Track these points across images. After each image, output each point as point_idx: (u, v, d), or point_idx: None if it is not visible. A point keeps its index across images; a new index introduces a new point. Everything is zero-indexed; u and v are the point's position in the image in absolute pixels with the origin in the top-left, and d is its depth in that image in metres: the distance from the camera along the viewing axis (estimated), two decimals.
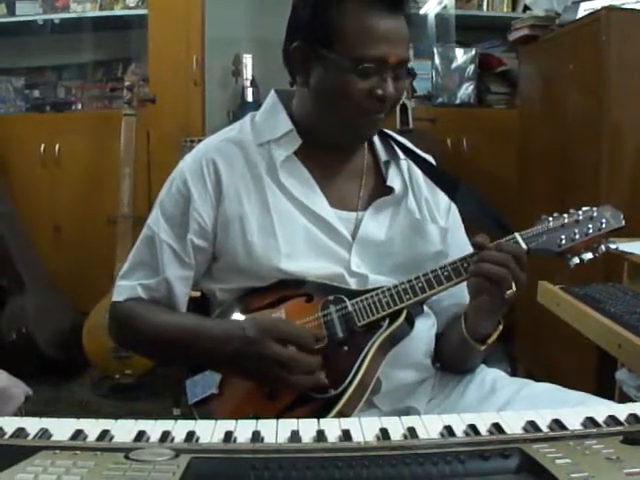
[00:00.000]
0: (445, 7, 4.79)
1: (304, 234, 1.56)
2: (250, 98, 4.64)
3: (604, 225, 1.47)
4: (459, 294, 1.56)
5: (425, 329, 1.60)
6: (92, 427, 1.01)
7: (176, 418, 1.05)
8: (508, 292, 1.41)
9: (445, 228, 1.68)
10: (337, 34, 1.47)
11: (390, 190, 1.64)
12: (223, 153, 1.61)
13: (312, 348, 1.39)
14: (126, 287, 1.62)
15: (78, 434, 0.99)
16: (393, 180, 1.65)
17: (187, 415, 1.49)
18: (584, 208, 1.49)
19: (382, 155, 1.69)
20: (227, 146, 1.63)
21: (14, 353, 3.85)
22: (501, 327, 1.54)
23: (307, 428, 1.02)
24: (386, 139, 1.72)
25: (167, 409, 3.46)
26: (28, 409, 2.00)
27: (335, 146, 1.63)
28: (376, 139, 1.71)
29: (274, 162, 1.59)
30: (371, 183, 1.67)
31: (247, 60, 4.68)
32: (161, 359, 2.09)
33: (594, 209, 1.48)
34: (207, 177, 1.59)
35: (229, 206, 1.57)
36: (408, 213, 1.64)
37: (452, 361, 1.66)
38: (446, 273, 1.46)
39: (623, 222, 1.49)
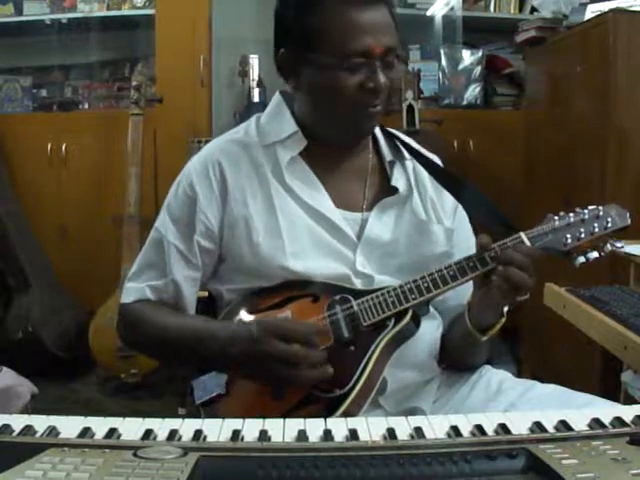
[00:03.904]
0: (452, 8, 4.78)
1: (309, 234, 1.57)
2: (257, 99, 4.64)
3: (610, 224, 1.46)
4: (464, 294, 1.56)
5: (431, 329, 1.61)
6: (99, 425, 1.02)
7: (182, 418, 1.06)
8: (520, 299, 1.42)
9: (451, 229, 1.68)
10: (320, 34, 1.48)
11: (395, 190, 1.64)
12: (229, 155, 1.62)
13: (315, 343, 1.39)
14: (134, 289, 1.63)
15: (86, 432, 0.99)
16: (398, 180, 1.65)
17: (193, 415, 1.50)
18: (590, 207, 1.49)
19: (387, 155, 1.68)
20: (232, 148, 1.63)
21: (20, 352, 3.85)
22: (503, 319, 1.53)
23: (314, 427, 1.03)
24: (391, 139, 1.72)
25: (172, 409, 3.46)
26: (34, 407, 2.01)
27: (339, 146, 1.64)
28: (381, 139, 1.71)
29: (279, 163, 1.59)
30: (376, 183, 1.67)
31: (254, 61, 4.68)
32: (169, 361, 2.10)
33: (600, 208, 1.48)
34: (213, 179, 1.59)
35: (235, 207, 1.58)
36: (413, 214, 1.64)
37: (455, 356, 1.66)
38: (452, 272, 1.46)
39: (629, 221, 1.48)
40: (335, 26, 1.47)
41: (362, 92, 1.49)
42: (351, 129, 1.59)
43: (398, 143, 1.71)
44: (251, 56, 4.68)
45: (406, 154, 1.70)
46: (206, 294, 1.71)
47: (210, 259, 1.62)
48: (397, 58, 1.54)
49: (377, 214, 1.61)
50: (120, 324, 1.66)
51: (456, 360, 1.67)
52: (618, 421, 1.03)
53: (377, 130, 1.71)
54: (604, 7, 3.23)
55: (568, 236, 1.46)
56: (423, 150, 1.72)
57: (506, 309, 1.52)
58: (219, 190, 1.59)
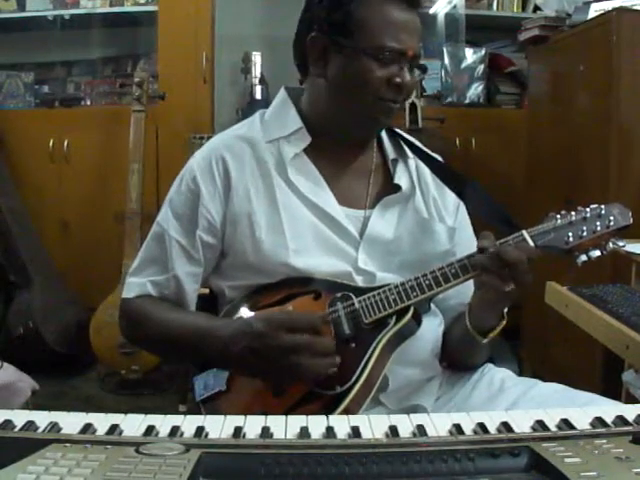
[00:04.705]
0: (455, 7, 4.77)
1: (312, 231, 1.56)
2: (259, 96, 4.64)
3: (612, 223, 1.46)
4: (466, 292, 1.56)
5: (432, 327, 1.61)
6: (101, 421, 1.02)
7: (182, 414, 1.06)
8: (506, 288, 1.41)
9: (453, 228, 1.68)
10: (357, 24, 1.51)
11: (397, 188, 1.64)
12: (232, 150, 1.61)
13: (321, 331, 1.39)
14: (136, 284, 1.63)
15: (88, 428, 0.99)
16: (400, 178, 1.65)
17: (193, 412, 1.50)
18: (592, 205, 1.48)
19: (390, 153, 1.69)
20: (236, 143, 1.63)
21: (21, 347, 3.87)
22: (504, 322, 1.53)
23: (316, 424, 1.03)
24: (395, 137, 1.73)
25: (173, 405, 3.47)
26: (34, 403, 2.00)
27: (346, 141, 1.64)
28: (385, 137, 1.71)
29: (283, 159, 1.59)
30: (379, 181, 1.67)
31: (256, 58, 4.68)
32: (170, 357, 2.10)
33: (602, 207, 1.48)
34: (216, 174, 1.59)
35: (238, 203, 1.57)
36: (416, 212, 1.65)
37: (455, 356, 1.66)
38: (453, 270, 1.45)
39: (631, 220, 1.48)
40: (376, 19, 1.51)
41: (387, 86, 1.52)
42: (368, 121, 1.59)
43: (401, 142, 1.71)
44: (254, 53, 4.68)
45: (409, 153, 1.70)
46: (207, 291, 1.71)
47: (212, 254, 1.61)
48: (418, 66, 1.58)
49: (380, 212, 1.61)
50: (122, 320, 1.66)
51: (456, 360, 1.67)
52: (620, 420, 1.03)
53: None
54: (607, 6, 3.23)
55: (570, 234, 1.45)
56: (426, 149, 1.72)
57: (506, 309, 1.53)
58: (222, 185, 1.59)
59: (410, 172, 1.68)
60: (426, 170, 1.69)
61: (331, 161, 1.63)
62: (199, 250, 1.59)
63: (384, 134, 1.71)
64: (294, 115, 1.63)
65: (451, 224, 1.68)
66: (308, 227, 1.56)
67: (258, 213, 1.56)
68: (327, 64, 1.57)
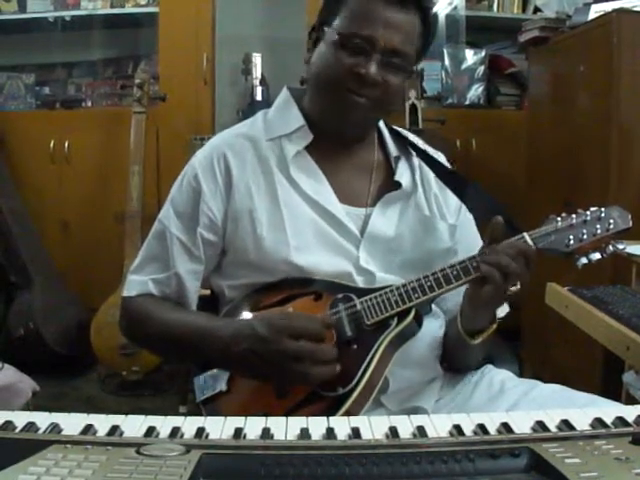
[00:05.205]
0: (455, 8, 4.77)
1: (313, 229, 1.57)
2: (259, 97, 4.63)
3: (612, 226, 1.46)
4: None
5: (434, 329, 1.61)
6: (102, 422, 1.02)
7: (182, 415, 1.06)
8: (512, 289, 1.41)
9: (454, 225, 1.68)
10: (339, 12, 1.53)
11: (399, 185, 1.64)
12: (234, 148, 1.62)
13: (323, 338, 1.39)
14: (137, 282, 1.63)
15: (88, 429, 0.99)
16: (402, 175, 1.65)
17: (194, 413, 1.50)
18: (592, 209, 1.49)
19: (392, 151, 1.69)
20: (238, 141, 1.64)
21: (22, 348, 3.87)
22: (495, 326, 1.53)
23: (317, 426, 1.02)
24: (397, 136, 1.73)
25: (173, 406, 3.47)
26: (35, 404, 2.01)
27: (341, 138, 1.64)
28: (387, 135, 1.71)
29: (285, 157, 1.60)
30: (381, 179, 1.67)
31: (257, 59, 4.67)
32: (171, 357, 2.09)
33: (602, 210, 1.48)
34: (218, 171, 1.60)
35: (239, 200, 1.58)
36: (417, 209, 1.65)
37: (451, 357, 1.66)
38: (455, 272, 1.45)
39: (631, 223, 1.48)
40: (355, 8, 1.51)
41: (350, 75, 1.50)
42: (336, 113, 1.57)
43: (404, 141, 1.71)
44: (254, 54, 4.67)
45: (412, 151, 1.70)
46: (208, 292, 1.71)
47: (213, 252, 1.62)
48: (403, 68, 1.54)
49: (381, 209, 1.61)
50: (122, 319, 1.66)
51: (451, 361, 1.67)
52: (620, 421, 1.03)
53: (382, 126, 1.71)
54: (607, 7, 3.22)
55: (571, 237, 1.46)
56: (430, 150, 1.72)
57: (502, 314, 1.53)
58: (224, 183, 1.59)
59: (413, 169, 1.68)
60: (428, 169, 1.69)
61: (333, 159, 1.63)
62: (200, 247, 1.60)
63: (386, 131, 1.71)
64: (296, 113, 1.64)
65: (452, 222, 1.68)
66: (309, 224, 1.57)
67: (259, 210, 1.56)
68: (313, 52, 1.59)
